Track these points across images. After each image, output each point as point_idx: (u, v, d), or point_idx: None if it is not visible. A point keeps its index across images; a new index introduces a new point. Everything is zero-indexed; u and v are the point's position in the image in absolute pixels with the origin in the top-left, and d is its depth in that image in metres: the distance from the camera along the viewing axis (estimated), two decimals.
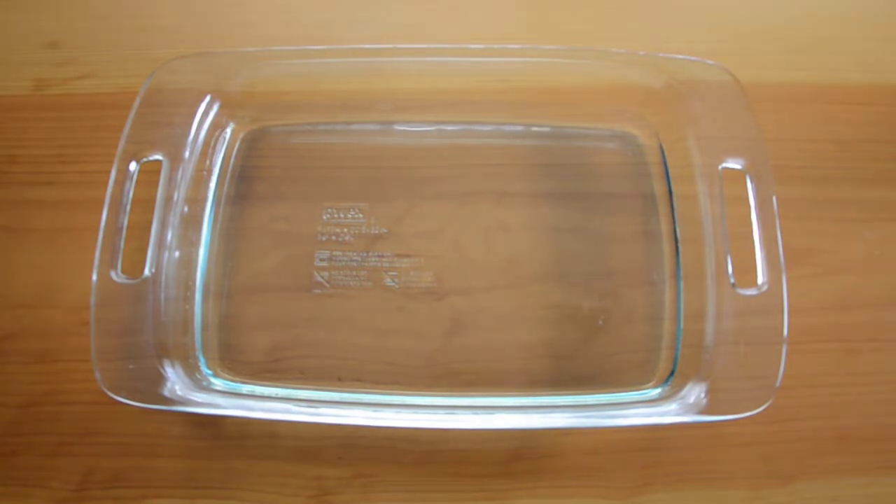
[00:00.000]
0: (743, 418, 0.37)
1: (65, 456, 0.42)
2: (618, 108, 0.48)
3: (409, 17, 0.54)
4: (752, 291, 0.39)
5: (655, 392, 0.42)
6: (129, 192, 0.41)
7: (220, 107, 0.46)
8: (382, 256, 0.45)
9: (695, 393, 0.39)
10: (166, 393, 0.38)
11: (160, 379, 0.39)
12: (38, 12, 0.54)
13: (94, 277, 0.39)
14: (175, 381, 0.40)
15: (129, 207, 0.41)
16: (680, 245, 0.44)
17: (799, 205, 0.47)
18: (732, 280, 0.40)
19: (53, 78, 0.51)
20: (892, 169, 0.48)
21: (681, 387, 0.40)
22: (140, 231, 0.41)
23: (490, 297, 0.44)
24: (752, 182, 0.41)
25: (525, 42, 0.52)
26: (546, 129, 0.49)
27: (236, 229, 0.46)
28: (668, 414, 0.39)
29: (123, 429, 0.42)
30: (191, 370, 0.42)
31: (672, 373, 0.42)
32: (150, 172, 0.42)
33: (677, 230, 0.45)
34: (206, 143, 0.46)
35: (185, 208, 0.44)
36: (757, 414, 0.37)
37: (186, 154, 0.44)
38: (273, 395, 0.42)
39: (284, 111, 0.49)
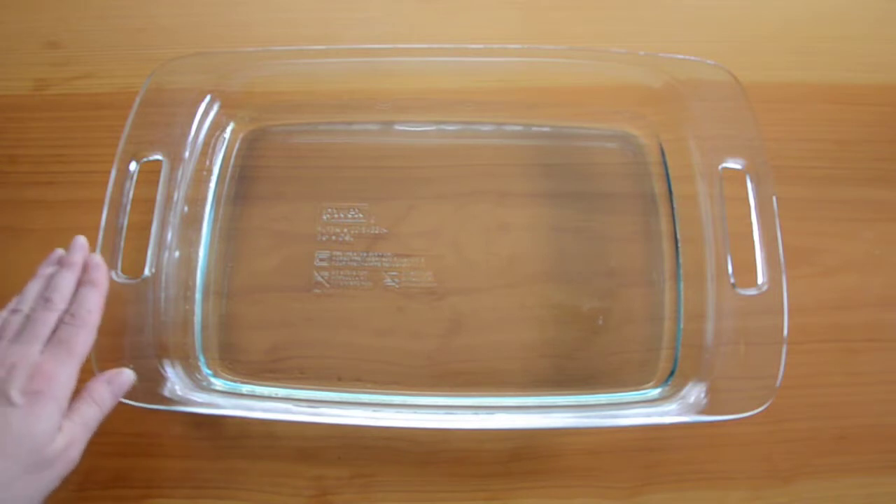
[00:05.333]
0: (743, 418, 0.37)
1: None
2: (618, 108, 0.48)
3: (409, 17, 0.54)
4: (752, 291, 0.39)
5: (655, 392, 0.42)
6: (129, 192, 0.41)
7: (220, 107, 0.46)
8: (382, 256, 0.45)
9: (695, 393, 0.39)
10: (166, 393, 0.38)
11: (160, 379, 0.39)
12: (38, 12, 0.54)
13: None
14: (175, 381, 0.40)
15: (129, 207, 0.41)
16: (680, 245, 0.44)
17: (799, 205, 0.47)
18: (732, 280, 0.40)
19: (53, 78, 0.51)
20: (892, 169, 0.48)
21: (681, 387, 0.40)
22: (140, 231, 0.41)
23: (490, 297, 0.44)
24: (752, 182, 0.41)
25: (525, 42, 0.52)
26: (546, 129, 0.49)
27: (236, 229, 0.46)
28: (668, 414, 0.39)
29: (123, 429, 0.42)
30: (191, 370, 0.42)
31: (672, 373, 0.42)
32: (150, 172, 0.42)
33: (677, 230, 0.45)
34: (206, 143, 0.46)
35: (185, 208, 0.44)
36: (757, 414, 0.37)
37: (186, 154, 0.44)
38: (273, 395, 0.42)
39: (284, 111, 0.49)
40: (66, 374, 0.32)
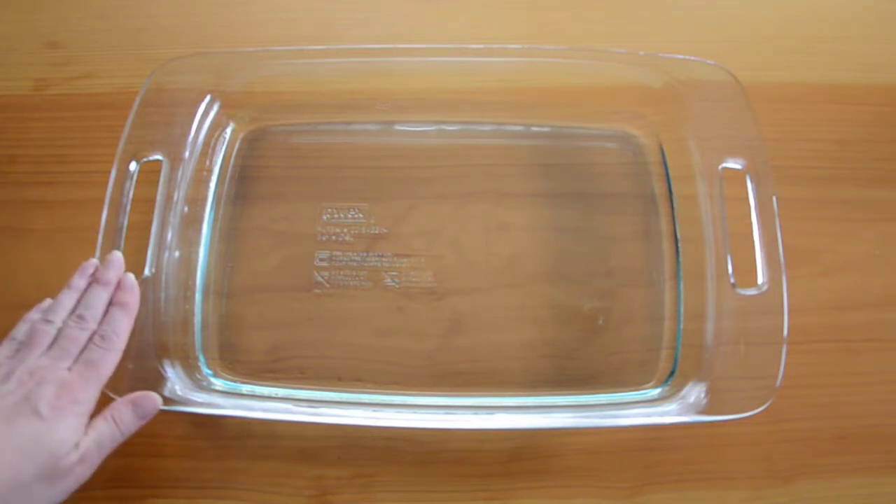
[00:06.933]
0: (743, 418, 0.37)
1: None
2: (618, 108, 0.48)
3: (409, 17, 0.54)
4: (752, 291, 0.39)
5: (655, 392, 0.42)
6: (129, 192, 0.41)
7: (220, 107, 0.46)
8: (382, 256, 0.45)
9: (695, 393, 0.39)
10: (166, 393, 0.38)
11: (160, 379, 0.39)
12: (38, 12, 0.54)
13: None
14: (175, 381, 0.40)
15: (129, 207, 0.41)
16: (680, 245, 0.44)
17: (799, 205, 0.47)
18: (732, 280, 0.40)
19: (53, 78, 0.51)
20: (892, 169, 0.48)
21: (681, 387, 0.40)
22: (140, 231, 0.41)
23: (490, 297, 0.44)
24: (752, 182, 0.41)
25: (525, 42, 0.52)
26: (546, 129, 0.49)
27: (236, 229, 0.46)
28: (668, 414, 0.39)
29: None
30: (191, 370, 0.42)
31: (672, 373, 0.42)
32: (151, 172, 0.42)
33: (677, 230, 0.45)
34: (206, 143, 0.46)
35: (185, 208, 0.44)
36: (757, 414, 0.37)
37: (186, 154, 0.44)
38: (273, 395, 0.42)
39: (284, 111, 0.49)
40: (90, 393, 0.34)
